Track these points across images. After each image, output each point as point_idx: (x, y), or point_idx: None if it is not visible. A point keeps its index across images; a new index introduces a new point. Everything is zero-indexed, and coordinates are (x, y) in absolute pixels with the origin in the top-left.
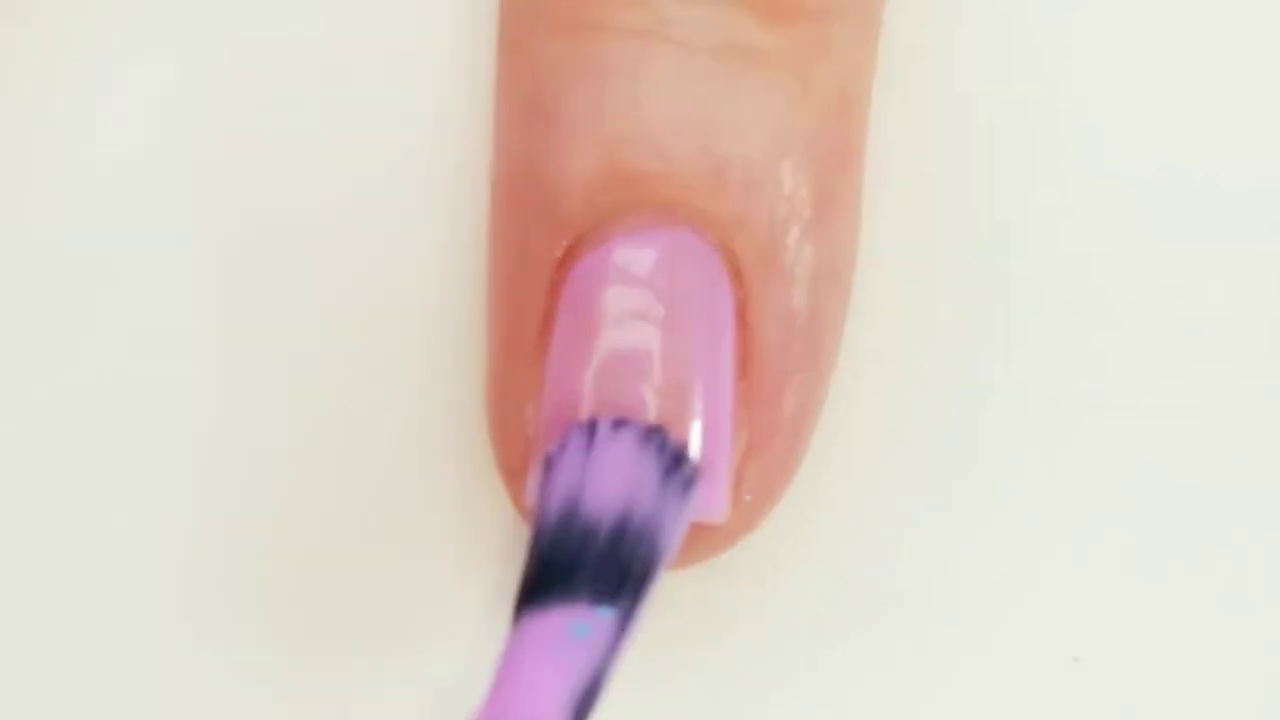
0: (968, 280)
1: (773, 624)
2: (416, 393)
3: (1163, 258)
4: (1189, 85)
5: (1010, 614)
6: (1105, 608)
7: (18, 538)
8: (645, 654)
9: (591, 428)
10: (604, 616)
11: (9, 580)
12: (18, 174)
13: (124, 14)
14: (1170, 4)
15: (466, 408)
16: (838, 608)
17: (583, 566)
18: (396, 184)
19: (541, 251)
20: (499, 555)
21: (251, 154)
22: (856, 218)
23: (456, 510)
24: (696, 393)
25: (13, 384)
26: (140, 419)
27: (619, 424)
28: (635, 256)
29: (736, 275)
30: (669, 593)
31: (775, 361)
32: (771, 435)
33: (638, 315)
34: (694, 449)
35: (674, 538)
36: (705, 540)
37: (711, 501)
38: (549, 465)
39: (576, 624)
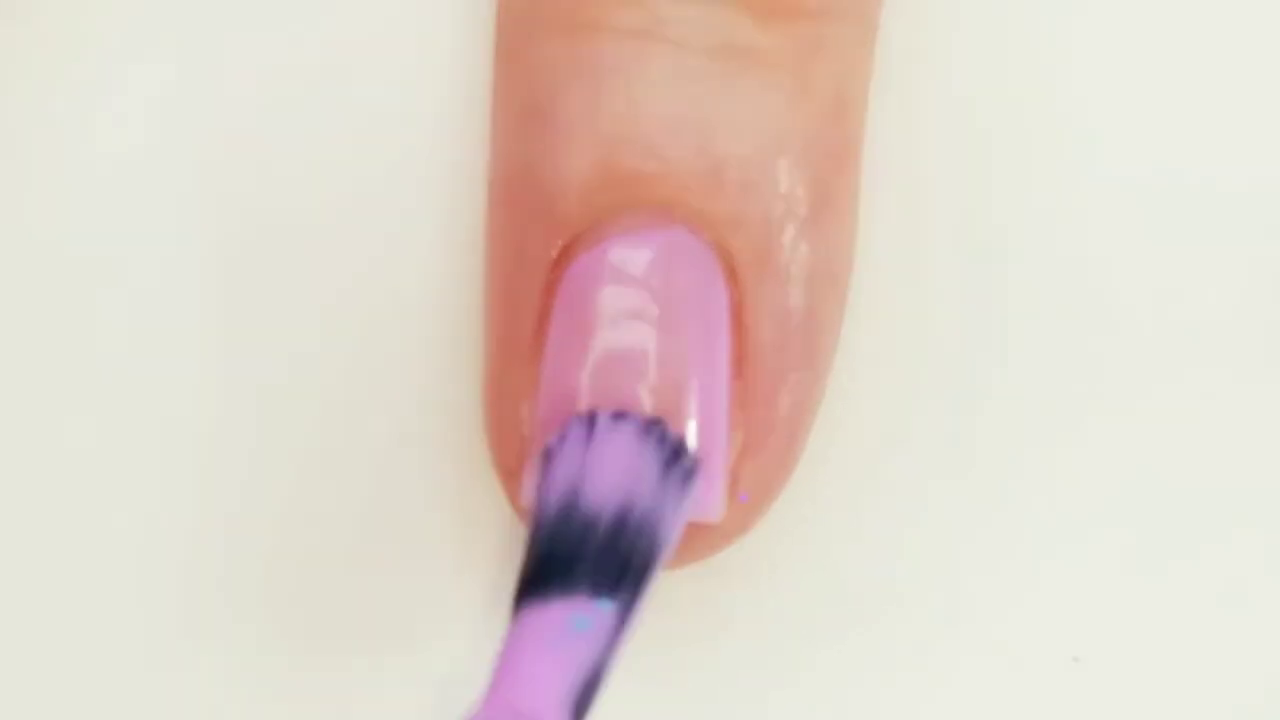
0: (965, 282)
1: (771, 624)
2: (416, 392)
3: (1159, 260)
4: (1185, 88)
5: (1010, 614)
6: (1105, 608)
7: (18, 538)
8: (643, 653)
9: (591, 420)
10: (604, 609)
11: (9, 580)
12: (18, 174)
13: (124, 14)
14: (1167, 7)
15: (466, 407)
16: (837, 608)
17: (582, 559)
18: (396, 184)
19: (538, 251)
20: (497, 555)
21: (251, 154)
22: (853, 219)
23: (455, 510)
24: (691, 392)
25: (13, 384)
26: (140, 419)
27: (619, 416)
28: (630, 256)
29: (732, 275)
30: (666, 592)
31: (771, 361)
32: (767, 435)
33: (633, 315)
34: (690, 447)
35: (674, 530)
36: (701, 540)
37: (707, 501)
38: (548, 457)
39: (576, 617)
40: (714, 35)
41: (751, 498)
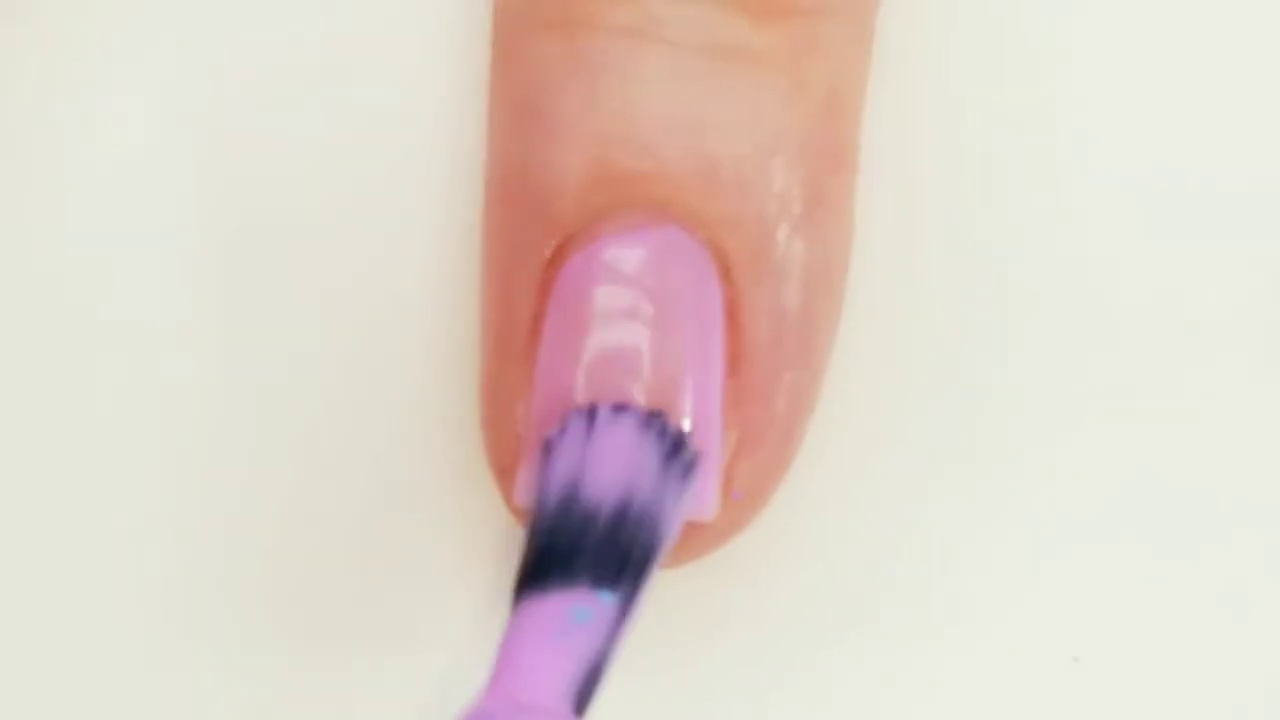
0: (963, 282)
1: (771, 623)
2: (416, 391)
3: (1159, 260)
4: (1184, 88)
5: (1010, 614)
6: (1105, 608)
7: (17, 538)
8: (642, 651)
9: (591, 413)
10: (605, 601)
11: (8, 580)
12: (18, 174)
13: (124, 14)
14: (1165, 7)
15: (465, 407)
16: (836, 607)
17: (583, 551)
18: (396, 184)
19: (533, 250)
20: (496, 553)
21: (251, 154)
22: (849, 219)
23: (454, 509)
24: (685, 391)
25: (13, 384)
26: (140, 418)
27: (619, 409)
28: (625, 255)
29: (726, 274)
30: (665, 591)
31: (765, 360)
32: (762, 434)
33: (627, 314)
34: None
35: (674, 523)
36: (695, 539)
37: (701, 499)
38: (548, 450)
39: (577, 608)
40: (708, 34)
41: (746, 497)
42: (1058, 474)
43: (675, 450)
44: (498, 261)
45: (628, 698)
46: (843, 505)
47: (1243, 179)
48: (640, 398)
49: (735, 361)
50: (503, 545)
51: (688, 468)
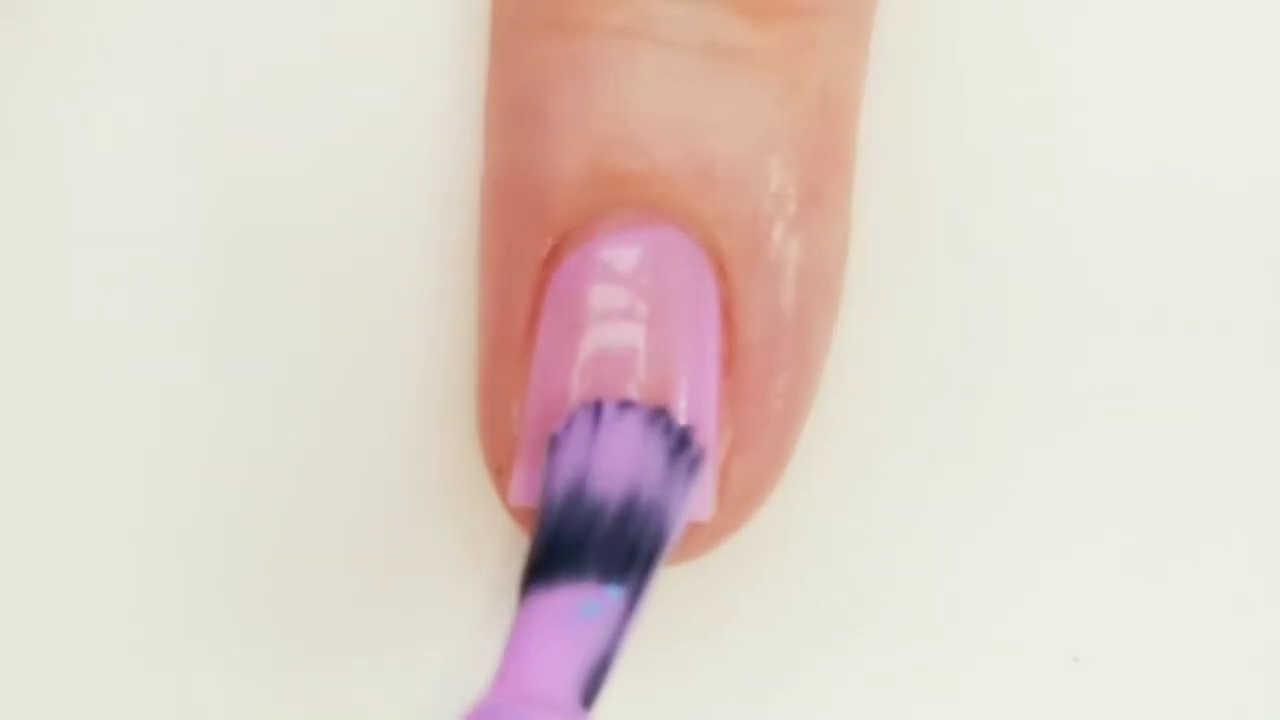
0: (962, 283)
1: (771, 623)
2: (415, 391)
3: (1157, 261)
4: (1184, 88)
5: (1010, 614)
6: (1105, 608)
7: (17, 538)
8: (642, 651)
9: (597, 409)
10: (612, 595)
11: (8, 580)
12: (18, 174)
13: (124, 14)
14: (1165, 6)
15: (464, 406)
16: (836, 607)
17: (590, 545)
18: (395, 184)
19: (528, 250)
20: (496, 553)
21: (250, 154)
22: (846, 218)
23: (454, 508)
24: (680, 390)
25: (12, 384)
26: (140, 418)
27: (624, 405)
28: (619, 254)
29: (721, 273)
30: (664, 591)
31: (761, 359)
32: (757, 433)
33: (622, 313)
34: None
35: (680, 518)
36: (691, 539)
37: (697, 500)
38: (554, 445)
39: (584, 602)
40: (703, 34)
41: (741, 496)
42: (1058, 474)
43: (681, 446)
44: (494, 261)
45: (628, 697)
46: (843, 505)
47: (1243, 179)
48: (635, 397)
49: (730, 361)
50: (503, 544)
51: (693, 463)
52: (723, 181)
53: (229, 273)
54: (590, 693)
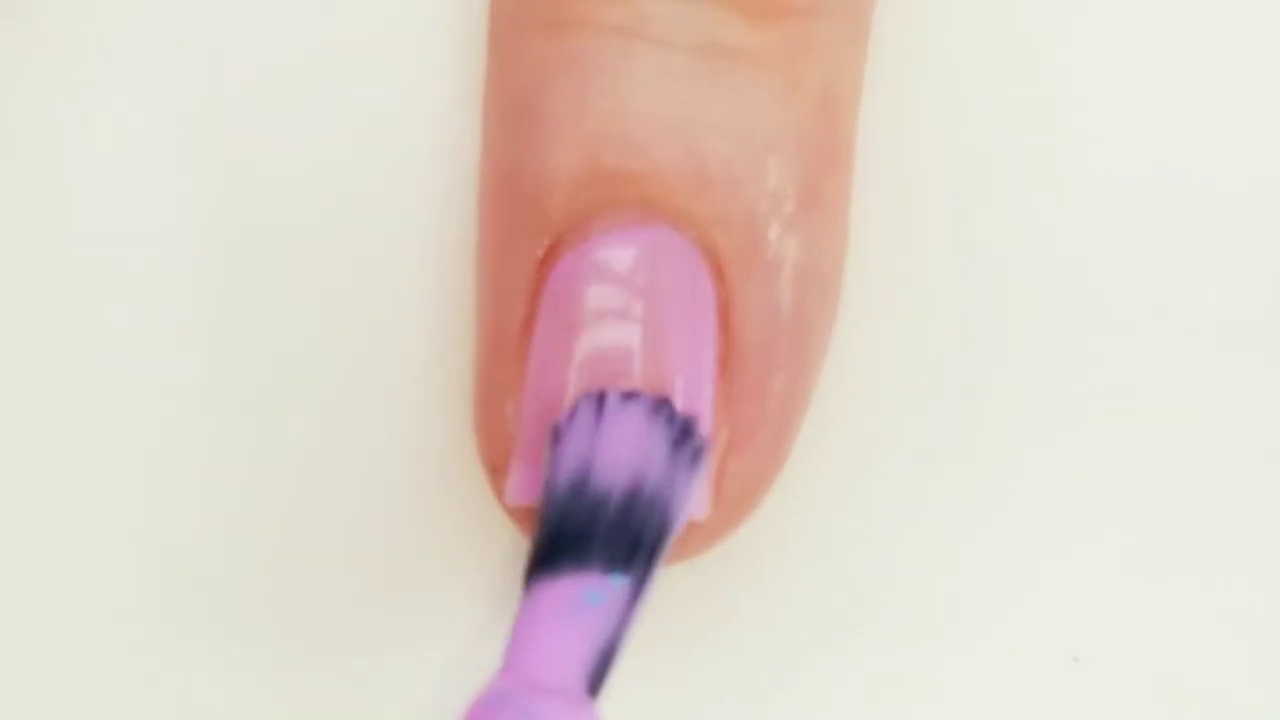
0: (961, 283)
1: (770, 623)
2: (415, 390)
3: (1157, 261)
4: (1184, 88)
5: (1010, 614)
6: (1105, 608)
7: (17, 538)
8: (642, 651)
9: (600, 399)
10: (616, 584)
11: (7, 580)
12: (18, 174)
13: (124, 14)
14: (1165, 7)
15: (463, 406)
16: (836, 607)
17: (594, 535)
18: (395, 184)
19: (524, 250)
20: (496, 552)
21: (250, 154)
22: (844, 219)
23: (454, 508)
24: (676, 390)
25: (12, 384)
26: (139, 418)
27: (628, 396)
28: (615, 254)
29: (718, 272)
30: (664, 590)
31: (757, 359)
32: (753, 433)
33: (618, 313)
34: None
35: (684, 508)
36: (687, 538)
37: (695, 494)
38: (557, 436)
39: (589, 591)
40: (700, 33)
41: (737, 496)
42: (1058, 474)
43: (684, 436)
44: (490, 261)
45: (628, 697)
46: (843, 505)
47: (1243, 179)
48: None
49: (727, 361)
50: (502, 544)
51: (696, 453)
52: (720, 181)
53: (229, 273)
54: (596, 680)
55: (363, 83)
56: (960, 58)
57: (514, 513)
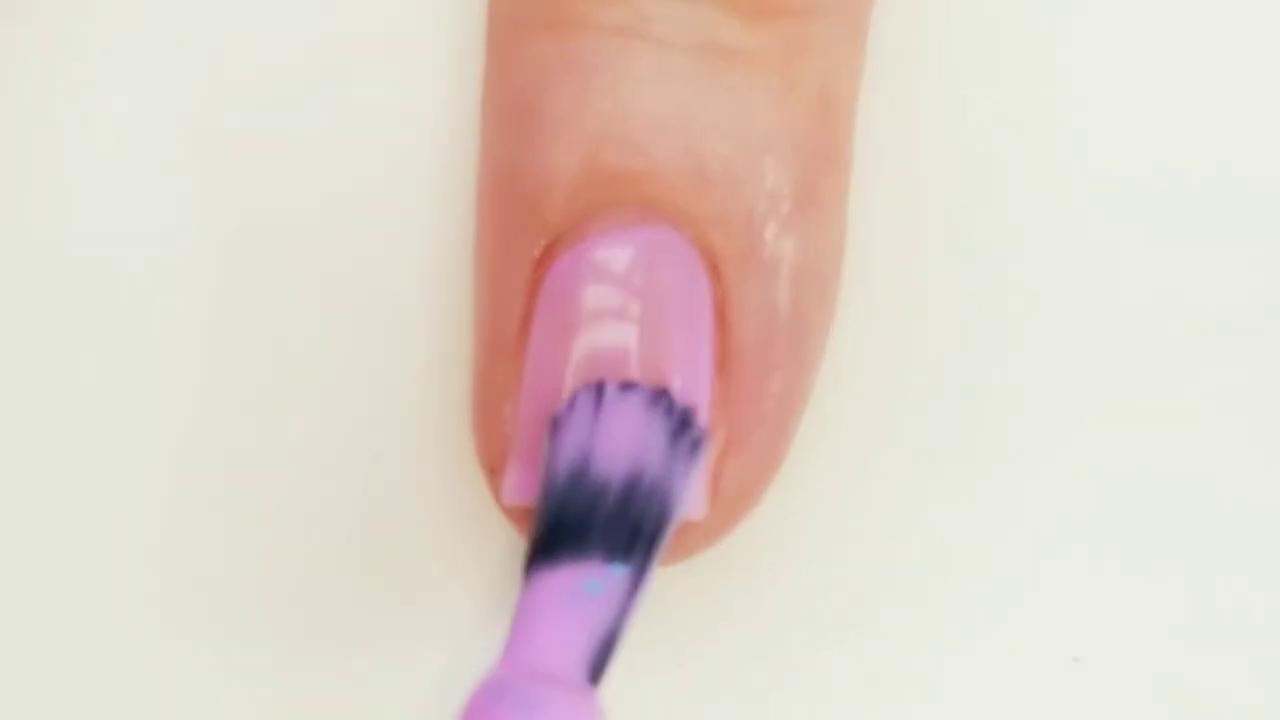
0: (961, 283)
1: (770, 623)
2: (414, 390)
3: (1158, 261)
4: (1184, 88)
5: (1010, 614)
6: (1105, 608)
7: (16, 538)
8: (641, 650)
9: (599, 390)
10: (616, 574)
11: (6, 580)
12: (18, 174)
13: (124, 14)
14: (1165, 7)
15: (462, 405)
16: (836, 607)
17: (593, 524)
18: (395, 183)
19: (522, 249)
20: (496, 553)
21: (250, 154)
22: (842, 219)
23: (454, 508)
24: (674, 390)
25: (12, 384)
26: (138, 417)
27: (626, 386)
28: (613, 254)
29: (715, 272)
30: (663, 590)
31: (754, 359)
32: (751, 433)
33: (615, 313)
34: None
35: (683, 499)
36: (684, 538)
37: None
38: (556, 426)
39: (589, 580)
40: (699, 33)
41: (734, 496)
42: (1058, 474)
43: (683, 427)
44: (488, 261)
45: (627, 697)
46: (843, 505)
47: (1243, 179)
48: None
49: (724, 360)
50: (501, 544)
51: (695, 444)
52: (719, 181)
53: (229, 273)
54: (596, 670)
55: (363, 83)
56: (960, 58)
57: (511, 513)
